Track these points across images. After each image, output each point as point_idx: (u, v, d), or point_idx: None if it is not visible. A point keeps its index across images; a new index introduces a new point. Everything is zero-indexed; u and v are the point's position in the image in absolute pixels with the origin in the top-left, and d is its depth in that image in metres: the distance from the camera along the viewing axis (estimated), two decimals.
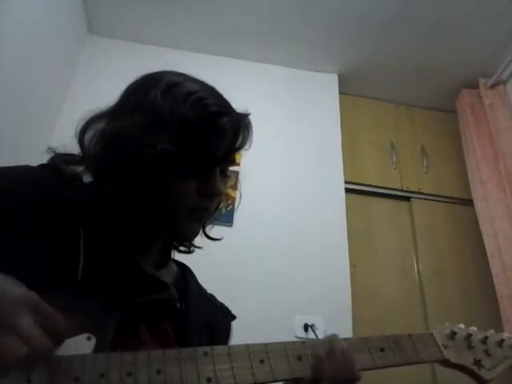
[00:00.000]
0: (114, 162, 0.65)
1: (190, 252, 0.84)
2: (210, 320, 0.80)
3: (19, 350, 0.44)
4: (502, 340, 0.77)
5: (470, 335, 0.76)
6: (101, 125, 0.69)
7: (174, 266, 0.84)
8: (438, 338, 0.74)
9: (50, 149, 0.71)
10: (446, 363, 0.73)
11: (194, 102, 0.67)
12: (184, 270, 0.86)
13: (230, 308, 0.90)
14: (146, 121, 0.66)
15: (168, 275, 0.78)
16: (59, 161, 0.70)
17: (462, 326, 0.78)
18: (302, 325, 1.94)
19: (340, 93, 2.67)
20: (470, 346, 0.75)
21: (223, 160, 0.72)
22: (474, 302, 2.27)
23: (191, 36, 2.51)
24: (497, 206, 2.25)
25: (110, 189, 0.65)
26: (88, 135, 0.69)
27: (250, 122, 0.76)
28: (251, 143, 0.76)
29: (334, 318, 1.95)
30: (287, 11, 2.33)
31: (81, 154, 0.70)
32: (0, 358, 0.43)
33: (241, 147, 0.74)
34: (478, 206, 2.35)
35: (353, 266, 2.20)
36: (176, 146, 0.64)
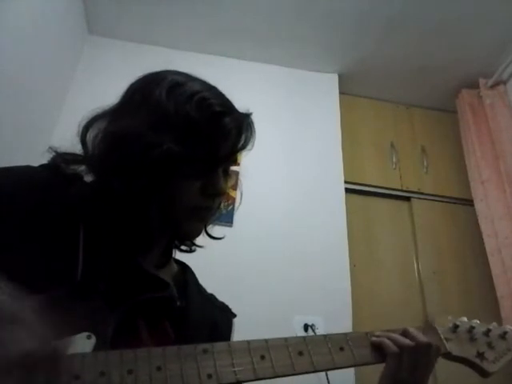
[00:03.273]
0: (118, 160, 0.65)
1: (191, 251, 0.84)
2: (211, 318, 0.80)
3: (28, 344, 0.43)
4: (505, 332, 0.76)
5: (472, 328, 0.75)
6: (103, 124, 0.69)
7: (174, 266, 0.84)
8: (440, 331, 0.74)
9: (51, 148, 0.71)
10: (449, 356, 0.73)
11: (198, 102, 0.67)
12: (184, 269, 0.86)
13: (229, 307, 0.90)
14: (151, 120, 0.66)
15: (168, 274, 0.78)
16: (60, 160, 0.70)
17: (465, 318, 0.77)
18: (302, 325, 1.94)
19: (340, 93, 2.67)
20: (472, 339, 0.75)
21: (226, 160, 0.72)
22: (474, 302, 2.27)
23: (191, 36, 2.51)
24: (497, 206, 2.25)
25: (114, 187, 0.65)
26: (90, 134, 0.69)
27: (252, 122, 0.76)
28: (254, 143, 0.77)
29: (334, 318, 1.95)
30: (287, 11, 2.33)
31: (83, 154, 0.70)
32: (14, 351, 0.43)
33: (244, 147, 0.75)
34: (478, 206, 2.35)
35: (353, 266, 2.20)
36: (181, 146, 0.65)
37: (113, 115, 0.70)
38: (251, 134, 0.76)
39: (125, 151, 0.65)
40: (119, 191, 0.65)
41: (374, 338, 0.69)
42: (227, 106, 0.72)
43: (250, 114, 0.76)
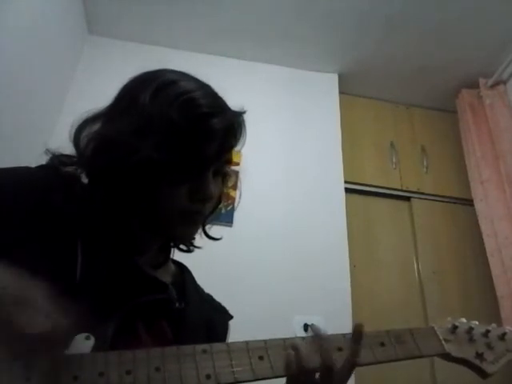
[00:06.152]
0: (103, 165, 0.65)
1: (190, 251, 0.83)
2: (208, 319, 0.80)
3: (44, 323, 0.46)
4: (504, 333, 0.76)
5: (471, 329, 0.75)
6: (94, 126, 0.69)
7: (172, 266, 0.83)
8: (438, 332, 0.74)
9: (48, 150, 0.71)
10: (448, 357, 0.73)
11: (183, 103, 0.65)
12: (182, 269, 0.85)
13: (229, 308, 0.90)
14: (136, 124, 0.65)
15: (166, 275, 0.78)
16: (57, 162, 0.70)
17: (464, 319, 0.77)
18: (302, 325, 1.94)
19: (340, 93, 2.67)
20: (471, 340, 0.75)
21: (213, 162, 0.69)
22: (474, 301, 2.27)
23: (191, 36, 2.51)
24: (497, 206, 2.25)
25: (101, 192, 0.65)
26: (83, 137, 0.68)
27: (243, 121, 0.74)
28: (244, 143, 0.75)
29: (334, 318, 1.94)
30: (287, 11, 2.33)
31: (76, 156, 0.70)
32: (28, 330, 0.46)
33: (231, 148, 0.72)
34: (478, 206, 2.35)
35: (353, 266, 2.20)
36: (162, 151, 0.63)
37: (103, 118, 0.70)
38: (240, 134, 0.73)
39: (108, 156, 0.65)
40: (104, 195, 0.65)
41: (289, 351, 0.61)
42: (216, 106, 0.69)
43: (242, 112, 0.74)
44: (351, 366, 0.62)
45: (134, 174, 0.63)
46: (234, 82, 2.46)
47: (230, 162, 0.74)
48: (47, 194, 0.63)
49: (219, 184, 0.74)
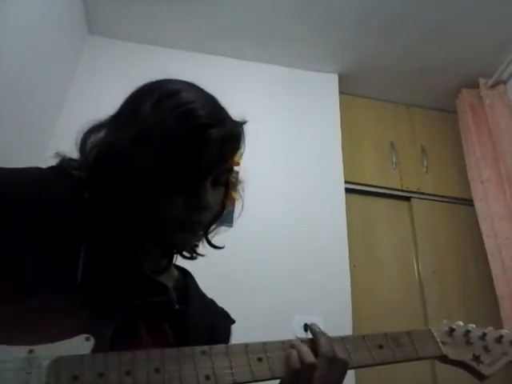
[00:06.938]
0: (103, 173, 0.66)
1: (193, 258, 0.82)
2: (209, 323, 0.80)
3: None
4: (501, 336, 0.77)
5: (468, 332, 0.76)
6: (100, 135, 0.70)
7: (174, 271, 0.84)
8: (436, 335, 0.74)
9: (57, 153, 0.72)
10: (445, 359, 0.74)
11: (181, 114, 0.65)
12: (184, 274, 0.86)
13: (229, 308, 0.90)
14: (135, 133, 0.65)
15: (168, 279, 0.78)
16: (66, 165, 0.70)
17: (461, 322, 0.78)
18: (302, 325, 1.94)
19: (340, 93, 2.67)
20: (468, 343, 0.76)
21: (210, 172, 0.68)
22: (474, 301, 2.27)
23: (191, 36, 2.51)
24: (497, 206, 2.25)
25: (103, 197, 0.66)
26: (88, 144, 0.69)
27: (242, 132, 0.74)
28: (242, 153, 0.75)
29: (334, 318, 1.94)
30: (287, 11, 2.33)
31: (81, 161, 0.70)
32: None
33: (230, 157, 0.72)
34: (478, 206, 2.35)
35: (353, 266, 2.20)
36: (159, 160, 0.63)
37: (108, 126, 0.71)
38: (237, 145, 0.73)
39: (108, 163, 0.65)
40: (106, 200, 0.65)
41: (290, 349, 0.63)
42: (215, 116, 0.68)
43: (242, 123, 0.74)
44: (341, 365, 0.64)
45: (132, 182, 0.64)
46: (234, 81, 2.47)
47: (230, 170, 0.74)
48: (55, 195, 0.64)
49: (220, 193, 0.74)
